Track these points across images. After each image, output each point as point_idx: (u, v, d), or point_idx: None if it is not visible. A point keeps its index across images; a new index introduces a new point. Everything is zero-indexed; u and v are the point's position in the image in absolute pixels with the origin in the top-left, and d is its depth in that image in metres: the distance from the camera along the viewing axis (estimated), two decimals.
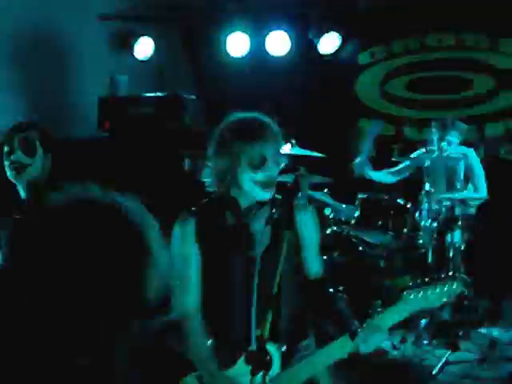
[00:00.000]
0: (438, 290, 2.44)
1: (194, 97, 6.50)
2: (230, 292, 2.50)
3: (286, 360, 2.52)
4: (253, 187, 2.53)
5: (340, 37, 6.62)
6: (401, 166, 6.04)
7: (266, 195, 2.53)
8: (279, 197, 2.63)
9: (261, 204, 2.59)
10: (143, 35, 6.96)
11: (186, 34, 7.66)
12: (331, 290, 2.74)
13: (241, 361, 2.46)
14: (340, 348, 2.43)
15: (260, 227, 2.56)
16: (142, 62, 7.05)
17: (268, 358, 2.35)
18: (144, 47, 6.99)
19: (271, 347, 2.43)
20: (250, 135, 2.53)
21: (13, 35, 5.96)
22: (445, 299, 2.49)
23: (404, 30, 6.82)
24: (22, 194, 3.22)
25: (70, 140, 6.05)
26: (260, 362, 2.29)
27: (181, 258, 2.62)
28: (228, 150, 2.53)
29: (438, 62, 6.77)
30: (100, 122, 6.46)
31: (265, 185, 2.52)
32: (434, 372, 4.65)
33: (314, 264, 2.72)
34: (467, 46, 6.58)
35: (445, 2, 6.35)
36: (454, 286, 2.46)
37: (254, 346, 2.41)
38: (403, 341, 4.99)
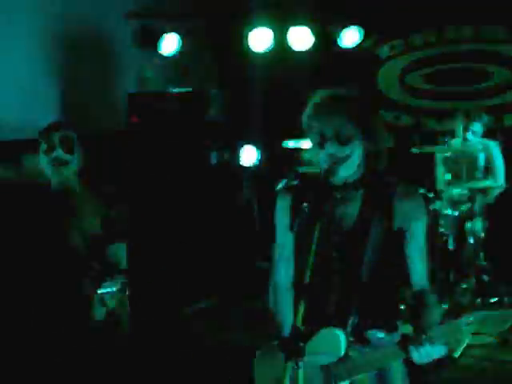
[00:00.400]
0: (507, 312, 2.25)
1: (218, 91, 6.70)
2: (311, 273, 2.29)
3: (353, 349, 2.42)
4: (321, 165, 2.43)
5: (360, 31, 6.79)
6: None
7: (331, 175, 2.39)
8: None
9: (355, 186, 2.47)
10: (168, 32, 7.16)
11: (210, 30, 7.84)
12: (431, 304, 2.47)
13: (314, 338, 2.41)
14: (394, 352, 2.34)
15: (349, 210, 2.47)
16: (167, 57, 7.25)
17: (301, 345, 2.23)
18: (169, 43, 7.18)
19: (339, 333, 2.41)
20: (311, 111, 2.43)
21: (42, 36, 6.18)
22: (509, 325, 2.27)
23: (422, 23, 6.96)
24: (54, 186, 3.38)
25: (100, 133, 6.32)
26: (291, 350, 2.21)
27: (280, 230, 2.60)
28: (304, 127, 2.47)
29: (456, 54, 6.93)
30: (128, 117, 6.69)
31: (327, 164, 2.39)
32: (455, 355, 4.81)
33: (416, 268, 2.49)
34: (484, 39, 6.74)
35: None
36: None
37: (288, 333, 2.29)
38: None
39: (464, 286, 5.69)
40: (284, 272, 2.59)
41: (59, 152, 3.32)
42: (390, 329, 2.52)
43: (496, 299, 2.24)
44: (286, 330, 2.42)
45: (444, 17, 6.83)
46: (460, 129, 5.92)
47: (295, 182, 2.65)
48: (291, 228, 2.53)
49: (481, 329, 2.26)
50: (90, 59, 6.74)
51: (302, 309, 2.20)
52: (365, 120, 2.39)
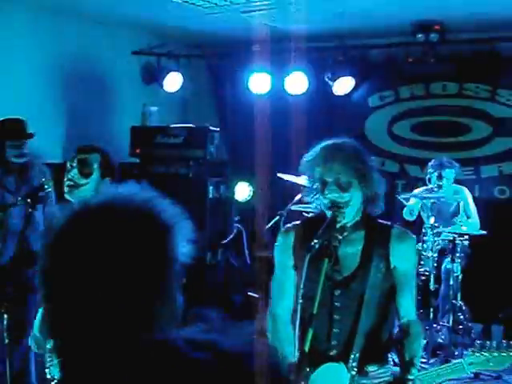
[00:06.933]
0: (503, 355, 2.45)
1: (218, 129, 7.07)
2: (318, 303, 2.43)
3: (355, 383, 2.55)
4: (324, 209, 2.59)
5: (353, 80, 7.24)
6: (413, 205, 6.59)
7: (336, 220, 2.52)
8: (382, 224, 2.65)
9: (355, 228, 2.63)
10: (172, 70, 7.56)
11: (211, 71, 8.26)
12: (414, 333, 2.61)
13: (317, 372, 2.54)
14: None
15: (351, 251, 2.61)
16: (170, 94, 7.63)
17: (308, 369, 2.41)
18: (173, 81, 7.58)
19: (341, 367, 2.53)
20: (313, 161, 2.58)
21: (53, 70, 6.51)
22: (508, 365, 2.47)
23: (411, 77, 7.42)
24: None
25: None
26: (299, 374, 2.35)
27: (280, 266, 2.75)
28: (306, 174, 2.64)
29: (441, 107, 7.40)
30: (131, 149, 7.01)
31: (329, 208, 2.54)
32: None
33: (405, 303, 2.64)
34: (468, 95, 7.25)
35: (449, 55, 7.01)
36: None
37: (296, 359, 2.43)
38: None
39: (441, 323, 6.08)
40: (283, 306, 2.71)
41: (74, 173, 3.33)
42: (384, 362, 2.68)
43: (495, 342, 2.49)
44: (288, 358, 2.50)
45: (431, 73, 7.32)
46: (434, 176, 6.31)
47: (297, 222, 2.80)
48: (293, 267, 2.67)
49: (481, 368, 2.52)
50: (96, 94, 7.09)
51: (310, 336, 2.35)
52: (362, 168, 2.55)
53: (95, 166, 3.35)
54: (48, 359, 3.37)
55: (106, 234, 1.20)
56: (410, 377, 2.40)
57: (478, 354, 2.45)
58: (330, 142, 2.62)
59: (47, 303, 1.23)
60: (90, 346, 1.19)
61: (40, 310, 3.58)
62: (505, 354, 2.45)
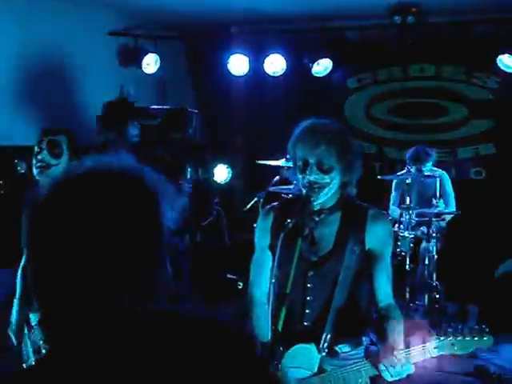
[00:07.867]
0: (467, 339, 2.44)
1: (196, 111, 7.05)
2: (291, 284, 2.44)
3: (325, 363, 2.56)
4: (304, 189, 2.58)
5: (332, 62, 7.23)
6: (394, 194, 6.69)
7: (311, 200, 2.53)
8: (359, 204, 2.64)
9: (332, 209, 2.62)
10: (149, 51, 7.50)
11: (189, 53, 8.20)
12: (397, 317, 2.60)
13: (289, 353, 2.54)
14: (367, 370, 2.49)
15: (327, 232, 2.61)
16: (147, 75, 7.57)
17: (281, 349, 2.42)
18: (151, 62, 7.51)
19: (312, 348, 2.54)
20: (297, 139, 2.55)
21: (27, 52, 6.41)
22: (472, 349, 2.46)
23: (389, 59, 7.47)
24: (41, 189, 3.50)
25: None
26: (272, 353, 2.37)
27: (259, 247, 2.75)
28: (290, 152, 2.61)
29: (418, 89, 7.46)
30: None
31: (308, 189, 2.54)
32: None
33: (382, 286, 2.63)
34: (445, 78, 7.30)
35: (426, 37, 7.04)
36: (485, 339, 2.46)
37: (270, 339, 2.44)
38: None
39: (417, 303, 6.16)
40: (260, 287, 2.72)
41: (44, 155, 3.36)
42: (357, 344, 2.68)
43: (462, 325, 2.48)
44: (265, 338, 2.50)
45: (409, 55, 7.36)
46: (413, 169, 6.35)
47: (276, 204, 2.78)
48: (270, 248, 2.68)
49: (446, 352, 2.44)
50: (72, 76, 7.00)
51: (282, 315, 2.36)
52: (345, 153, 2.52)
53: (64, 146, 3.39)
54: (24, 346, 3.42)
55: (91, 200, 1.17)
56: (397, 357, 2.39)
57: (442, 338, 2.44)
58: (315, 121, 2.57)
59: (36, 276, 1.22)
60: (80, 316, 1.17)
61: (16, 302, 3.60)
62: (469, 338, 2.45)
